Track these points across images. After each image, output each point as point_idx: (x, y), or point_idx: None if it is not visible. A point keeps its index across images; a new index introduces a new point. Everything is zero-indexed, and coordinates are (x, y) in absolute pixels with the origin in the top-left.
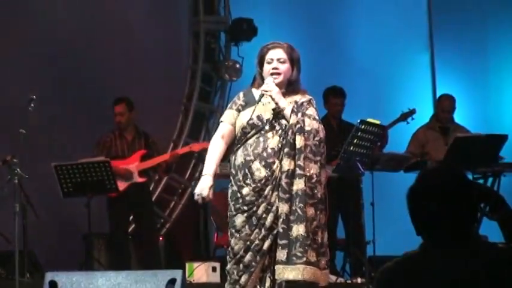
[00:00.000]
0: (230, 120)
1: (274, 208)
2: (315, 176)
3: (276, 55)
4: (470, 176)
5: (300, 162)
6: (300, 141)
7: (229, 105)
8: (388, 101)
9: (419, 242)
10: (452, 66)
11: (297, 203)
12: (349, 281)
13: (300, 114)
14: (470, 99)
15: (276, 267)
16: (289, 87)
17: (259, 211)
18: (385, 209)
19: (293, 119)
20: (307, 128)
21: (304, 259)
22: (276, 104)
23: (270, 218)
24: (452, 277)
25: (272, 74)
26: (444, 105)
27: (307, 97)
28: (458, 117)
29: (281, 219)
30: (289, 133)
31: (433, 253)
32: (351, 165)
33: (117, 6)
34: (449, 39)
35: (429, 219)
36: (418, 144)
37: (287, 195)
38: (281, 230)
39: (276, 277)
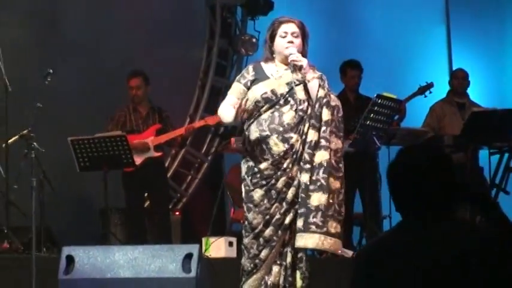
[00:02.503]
0: (237, 94)
1: (296, 182)
2: (339, 150)
3: (290, 29)
4: (486, 151)
5: (326, 135)
6: (326, 114)
7: (237, 78)
8: (404, 75)
9: None
10: (468, 40)
11: (320, 173)
12: None
13: (326, 89)
14: (486, 73)
15: (297, 235)
16: None
17: (279, 184)
18: None
19: (321, 93)
20: (332, 103)
21: (325, 229)
22: (304, 75)
23: (291, 192)
24: (417, 261)
25: (287, 48)
26: (458, 74)
27: (317, 73)
28: (474, 92)
29: (300, 189)
30: (317, 106)
31: (405, 234)
32: (368, 139)
33: None
34: (466, 12)
35: (404, 197)
36: (435, 118)
37: (308, 166)
38: (300, 199)
39: (297, 245)
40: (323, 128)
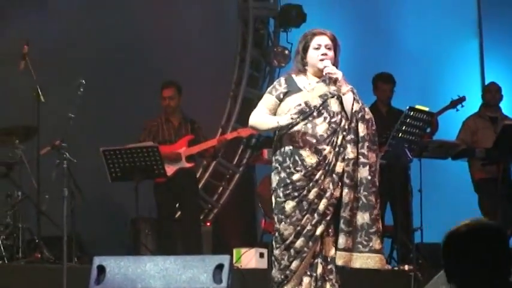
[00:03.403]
0: (269, 106)
1: (328, 194)
2: (374, 164)
3: (324, 41)
4: None
5: (364, 151)
6: (362, 129)
7: (268, 90)
8: (436, 88)
9: None
10: (501, 54)
11: (361, 191)
12: (396, 268)
13: (360, 102)
14: None
15: (339, 253)
16: None
17: (311, 196)
18: (432, 196)
19: (356, 107)
20: (366, 117)
21: (369, 247)
22: (339, 87)
23: (323, 204)
24: None
25: (321, 60)
26: (490, 88)
27: (348, 86)
28: (507, 106)
29: (348, 207)
30: (353, 120)
31: None
32: (399, 152)
33: None
34: (498, 26)
35: (461, 267)
36: (469, 132)
37: (352, 183)
38: (348, 217)
39: (339, 264)
40: (360, 144)
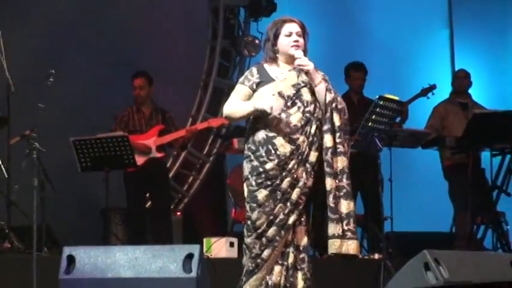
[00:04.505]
0: (241, 96)
1: (301, 183)
2: (348, 153)
3: (294, 28)
4: (488, 153)
5: (341, 140)
6: (337, 119)
7: (241, 80)
8: (407, 77)
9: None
10: (471, 43)
11: (344, 180)
12: (366, 257)
13: (333, 92)
14: (489, 76)
15: (331, 241)
16: None
17: (284, 185)
18: (403, 185)
19: (329, 97)
20: (339, 106)
21: (356, 235)
22: (311, 79)
23: (296, 193)
24: None
25: (292, 47)
26: (459, 74)
27: (321, 73)
28: (477, 94)
29: (331, 194)
30: (328, 110)
31: None
32: (369, 141)
33: None
34: (469, 15)
35: None
36: (438, 118)
37: (333, 171)
38: (333, 205)
39: (333, 251)
40: (338, 134)
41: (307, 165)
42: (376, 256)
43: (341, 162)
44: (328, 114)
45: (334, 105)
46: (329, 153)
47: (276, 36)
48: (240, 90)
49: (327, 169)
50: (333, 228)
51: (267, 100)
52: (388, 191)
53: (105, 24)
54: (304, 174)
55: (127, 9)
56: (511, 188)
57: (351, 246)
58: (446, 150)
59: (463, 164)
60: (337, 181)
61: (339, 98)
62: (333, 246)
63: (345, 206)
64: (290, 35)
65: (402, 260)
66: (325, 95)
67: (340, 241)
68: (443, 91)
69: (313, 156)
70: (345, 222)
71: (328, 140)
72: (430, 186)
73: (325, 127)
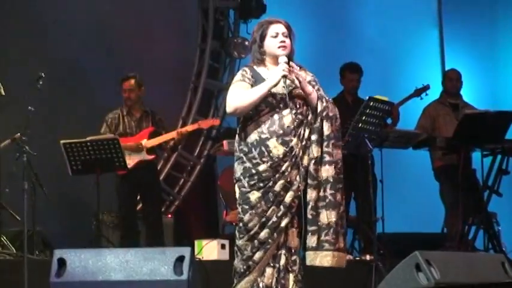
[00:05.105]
0: (245, 90)
1: (295, 187)
2: (340, 161)
3: (280, 29)
4: (479, 153)
5: (329, 149)
6: (327, 127)
7: (239, 78)
8: (397, 78)
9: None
10: (461, 42)
11: (327, 190)
12: (358, 258)
13: (324, 100)
14: (479, 75)
15: (307, 253)
16: (288, 62)
17: (277, 187)
18: (394, 186)
19: (320, 106)
20: (330, 114)
21: (337, 246)
22: (302, 90)
23: (289, 196)
24: None
25: (279, 48)
26: (451, 75)
27: (310, 74)
28: (467, 93)
29: (309, 206)
30: (318, 120)
31: None
32: (360, 142)
33: None
34: (458, 14)
35: None
36: (428, 118)
37: (315, 182)
38: (310, 217)
39: (308, 263)
40: (325, 143)
41: (301, 168)
42: (368, 257)
43: (326, 172)
44: (318, 123)
45: (325, 113)
46: (313, 164)
47: (263, 38)
48: (242, 85)
49: (309, 180)
50: (308, 240)
51: (274, 75)
52: (380, 192)
53: (95, 25)
54: (297, 177)
55: (116, 10)
56: (502, 189)
57: (325, 259)
58: (437, 151)
59: (453, 165)
60: (321, 191)
61: (330, 106)
62: (308, 258)
63: (326, 216)
64: (276, 35)
65: (394, 261)
66: (317, 104)
67: (313, 253)
68: (434, 91)
69: (306, 160)
70: (323, 233)
71: (315, 150)
72: (422, 187)
73: (313, 137)
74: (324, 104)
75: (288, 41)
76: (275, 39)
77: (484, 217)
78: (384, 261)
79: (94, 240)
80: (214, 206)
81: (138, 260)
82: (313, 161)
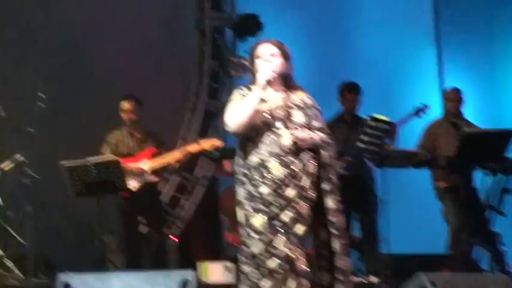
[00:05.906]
0: None
1: (304, 220)
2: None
3: (267, 49)
4: (480, 173)
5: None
6: (327, 157)
7: (239, 93)
8: (395, 97)
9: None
10: (459, 61)
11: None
12: (363, 280)
13: (318, 137)
14: (477, 94)
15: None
16: (285, 82)
17: (284, 217)
18: (397, 206)
19: (323, 157)
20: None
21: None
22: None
23: (299, 230)
24: None
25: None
26: (450, 96)
27: (309, 97)
28: (466, 112)
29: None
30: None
31: None
32: (360, 161)
33: (124, 2)
34: (456, 34)
35: None
36: (430, 138)
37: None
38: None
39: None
40: (330, 173)
41: (308, 196)
42: (374, 279)
43: (331, 204)
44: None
45: (328, 161)
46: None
47: (253, 60)
48: (239, 100)
49: (332, 229)
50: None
51: (261, 76)
52: (382, 212)
53: (90, 43)
54: (306, 209)
55: (111, 30)
56: (505, 208)
57: None
58: (438, 170)
59: (456, 185)
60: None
61: (325, 138)
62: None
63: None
64: (262, 56)
65: (398, 283)
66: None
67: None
68: (432, 109)
69: (305, 181)
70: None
71: (330, 202)
72: (425, 206)
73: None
74: (327, 153)
75: (274, 59)
76: (260, 59)
77: (487, 236)
78: (389, 282)
79: (98, 263)
80: (217, 227)
81: (143, 283)
82: (331, 211)
